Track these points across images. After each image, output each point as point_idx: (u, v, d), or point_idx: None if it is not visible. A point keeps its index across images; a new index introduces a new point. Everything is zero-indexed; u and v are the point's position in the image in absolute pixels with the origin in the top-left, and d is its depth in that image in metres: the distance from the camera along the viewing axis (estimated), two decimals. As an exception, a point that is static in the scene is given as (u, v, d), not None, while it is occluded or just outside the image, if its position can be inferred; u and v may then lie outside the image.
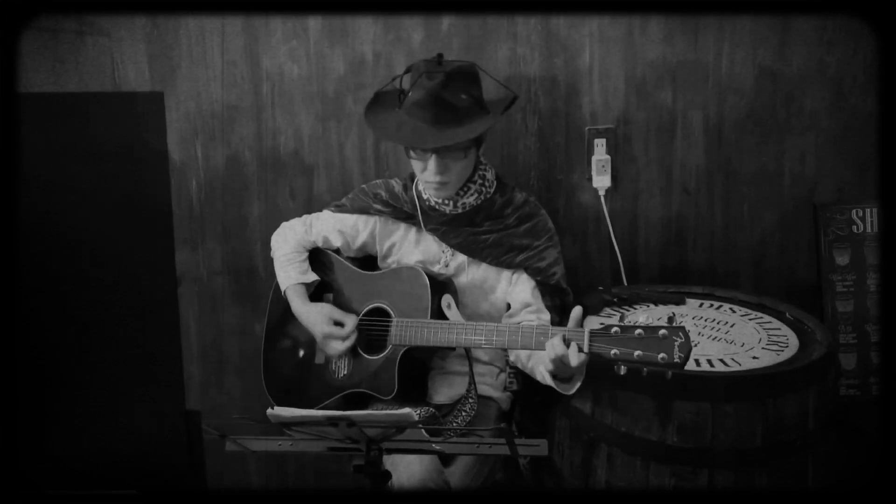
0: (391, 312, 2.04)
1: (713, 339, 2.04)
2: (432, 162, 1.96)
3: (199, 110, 2.38)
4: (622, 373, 1.66)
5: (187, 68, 2.36)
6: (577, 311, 1.75)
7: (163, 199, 1.39)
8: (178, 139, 2.39)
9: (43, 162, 1.35)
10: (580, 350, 1.69)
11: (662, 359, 1.63)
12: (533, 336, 1.79)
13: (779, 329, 2.10)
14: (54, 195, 1.36)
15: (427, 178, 1.99)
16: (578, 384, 1.83)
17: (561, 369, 1.78)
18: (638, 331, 1.65)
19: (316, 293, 2.15)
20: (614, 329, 1.67)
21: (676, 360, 1.62)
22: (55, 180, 1.36)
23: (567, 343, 1.71)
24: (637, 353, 1.64)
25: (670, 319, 1.65)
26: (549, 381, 1.86)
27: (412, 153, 2.00)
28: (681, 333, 1.63)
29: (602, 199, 2.40)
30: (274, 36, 2.34)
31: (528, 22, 2.31)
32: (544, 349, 1.76)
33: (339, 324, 2.05)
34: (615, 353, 1.66)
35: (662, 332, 1.63)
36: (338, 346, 2.04)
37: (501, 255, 2.05)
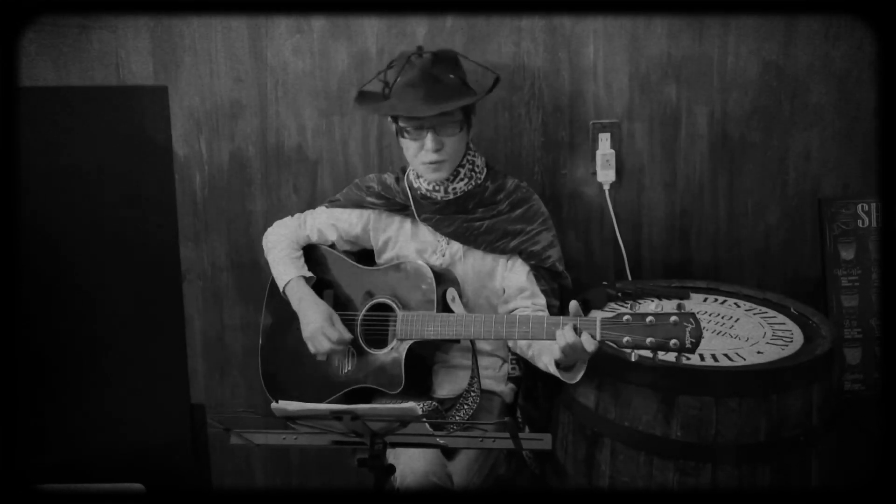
0: (394, 307, 2.04)
1: (717, 333, 2.04)
2: (429, 139, 1.98)
3: (203, 105, 2.39)
4: (634, 359, 1.66)
5: (191, 63, 2.36)
6: (574, 304, 1.76)
7: (167, 193, 1.39)
8: (182, 134, 2.39)
9: (46, 156, 1.35)
10: (592, 337, 1.70)
11: (674, 344, 1.64)
12: (544, 326, 1.80)
13: (783, 324, 2.09)
14: (58, 189, 1.36)
15: (424, 158, 2.01)
16: (582, 373, 1.84)
17: (568, 358, 1.78)
18: (649, 318, 1.66)
19: (317, 291, 2.15)
20: (626, 317, 1.68)
21: (688, 345, 1.63)
22: (58, 174, 1.36)
23: (579, 332, 1.72)
24: (649, 339, 1.65)
25: (680, 306, 1.66)
26: (553, 370, 1.87)
27: (406, 134, 2.02)
28: (691, 319, 1.64)
29: (606, 193, 2.40)
30: (278, 31, 2.34)
31: (532, 17, 2.31)
32: (555, 339, 1.76)
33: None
34: (627, 341, 1.67)
35: (673, 318, 1.64)
36: (324, 345, 2.03)
37: (495, 241, 2.05)
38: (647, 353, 1.67)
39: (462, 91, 2.02)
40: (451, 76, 2.01)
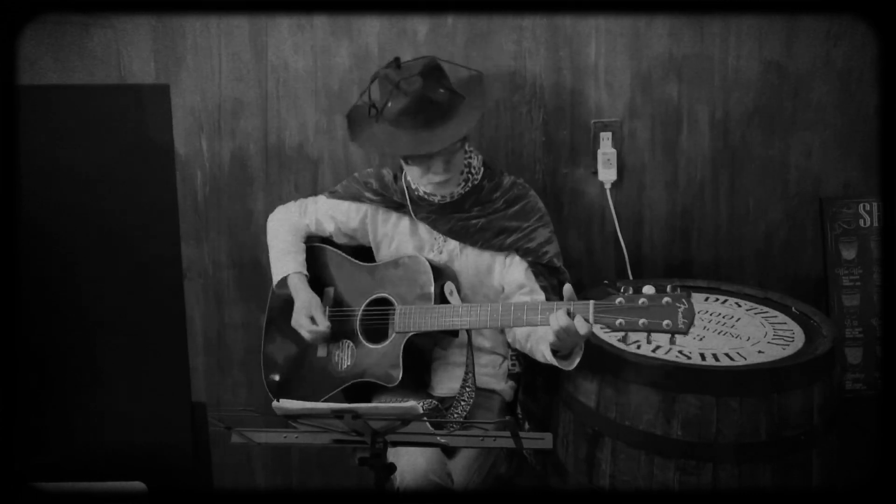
0: (394, 301, 2.04)
1: (719, 333, 2.04)
2: (438, 164, 1.98)
3: (205, 104, 2.39)
4: (628, 343, 1.66)
5: (192, 61, 2.36)
6: (568, 288, 1.77)
7: (168, 192, 1.39)
8: (183, 133, 2.39)
9: (46, 154, 1.35)
10: (586, 320, 1.71)
11: (667, 325, 1.63)
12: (538, 312, 1.80)
13: (784, 323, 2.09)
14: (58, 188, 1.36)
15: (432, 179, 2.01)
16: (577, 360, 1.85)
17: (564, 343, 1.79)
18: (642, 300, 1.65)
19: (318, 288, 2.16)
20: (619, 299, 1.68)
21: (681, 326, 1.63)
22: (59, 173, 1.36)
23: (572, 315, 1.72)
24: (642, 321, 1.65)
25: (673, 288, 1.65)
26: (550, 358, 1.88)
27: (411, 161, 2.00)
28: (684, 300, 1.63)
29: (607, 192, 2.40)
30: (279, 29, 2.34)
31: (534, 15, 2.31)
32: (549, 324, 1.77)
33: (313, 319, 2.09)
34: (620, 323, 1.67)
35: (666, 300, 1.64)
36: (302, 333, 2.09)
37: (491, 239, 2.06)
38: (641, 335, 1.68)
39: (455, 105, 1.99)
40: (442, 90, 1.98)
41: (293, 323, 2.10)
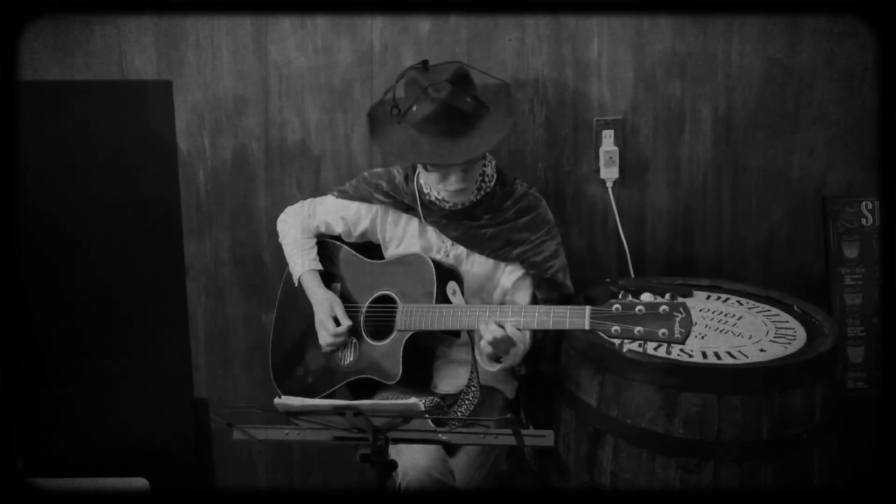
0: (397, 299, 2.05)
1: (720, 331, 2.04)
2: (456, 174, 1.98)
3: (207, 101, 2.38)
4: (624, 350, 1.66)
5: (195, 58, 2.35)
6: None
7: (171, 189, 1.39)
8: (185, 130, 2.39)
9: (49, 151, 1.35)
10: (588, 327, 1.73)
11: (663, 334, 1.63)
12: (535, 316, 1.80)
13: (786, 322, 2.09)
14: (61, 185, 1.36)
15: (449, 187, 2.01)
16: (501, 365, 1.95)
17: (497, 349, 1.87)
18: (639, 307, 1.65)
19: (324, 283, 2.17)
20: (616, 306, 1.68)
21: (677, 335, 1.62)
22: (62, 170, 1.36)
23: (501, 325, 1.81)
24: (638, 329, 1.65)
25: (672, 296, 1.65)
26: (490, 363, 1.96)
27: (429, 167, 2.00)
28: (681, 309, 1.63)
29: (610, 190, 2.39)
30: (281, 26, 2.34)
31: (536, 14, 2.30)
32: (548, 328, 1.80)
33: (337, 319, 2.09)
34: (616, 330, 1.67)
35: (663, 308, 1.63)
36: (325, 338, 2.09)
37: (499, 249, 2.06)
38: (637, 343, 1.68)
39: (479, 115, 1.97)
40: (468, 99, 1.96)
41: (316, 324, 2.11)
